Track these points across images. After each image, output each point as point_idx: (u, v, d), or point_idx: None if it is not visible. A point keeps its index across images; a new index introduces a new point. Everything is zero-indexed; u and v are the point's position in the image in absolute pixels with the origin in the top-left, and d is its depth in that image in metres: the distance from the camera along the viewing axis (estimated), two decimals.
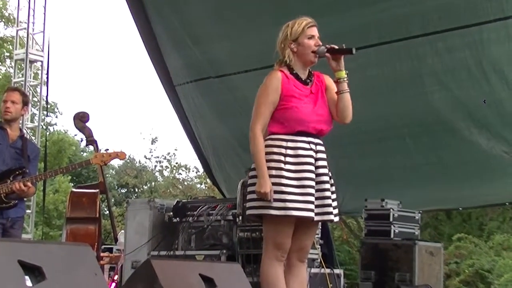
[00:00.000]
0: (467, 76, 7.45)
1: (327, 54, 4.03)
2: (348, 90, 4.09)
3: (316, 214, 3.96)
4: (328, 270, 6.38)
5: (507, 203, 9.98)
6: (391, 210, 7.63)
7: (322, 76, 4.18)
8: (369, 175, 8.60)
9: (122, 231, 8.41)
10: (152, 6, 9.27)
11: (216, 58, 8.98)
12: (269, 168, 3.94)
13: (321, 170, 4.03)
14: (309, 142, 4.00)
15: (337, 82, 4.08)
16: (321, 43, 4.06)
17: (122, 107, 37.28)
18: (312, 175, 3.97)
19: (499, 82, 7.34)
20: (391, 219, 7.60)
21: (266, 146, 4.01)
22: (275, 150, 3.97)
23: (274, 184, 3.89)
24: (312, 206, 3.92)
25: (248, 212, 4.09)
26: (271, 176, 3.91)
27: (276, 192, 3.89)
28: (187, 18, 9.02)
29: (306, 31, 4.06)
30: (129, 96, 40.47)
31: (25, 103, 5.56)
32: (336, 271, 6.66)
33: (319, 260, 6.47)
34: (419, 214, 7.97)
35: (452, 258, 11.80)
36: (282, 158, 3.95)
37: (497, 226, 13.20)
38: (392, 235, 7.57)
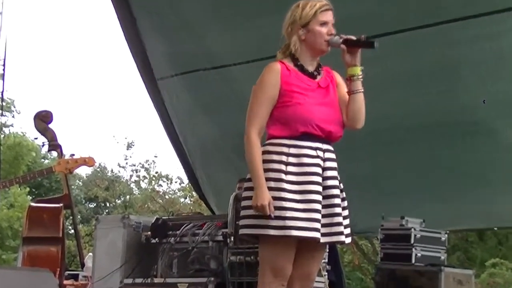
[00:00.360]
0: (505, 67, 7.48)
1: (342, 46, 3.96)
2: (362, 90, 4.04)
3: (323, 234, 3.90)
4: None
5: None
6: (413, 230, 7.64)
7: (332, 72, 4.13)
8: (386, 186, 8.60)
9: (90, 253, 8.41)
10: None
11: (211, 47, 8.98)
12: (267, 179, 3.87)
13: (330, 182, 3.96)
14: (315, 148, 3.93)
15: (350, 80, 4.02)
16: (334, 32, 3.99)
17: (92, 106, 37.37)
18: (319, 188, 3.91)
19: None
20: (412, 241, 7.60)
21: (264, 152, 3.94)
22: (275, 157, 3.91)
23: (272, 198, 3.82)
24: (318, 225, 3.86)
25: (242, 231, 4.02)
26: (269, 188, 3.83)
27: (275, 208, 3.82)
28: (175, 5, 9.03)
29: (319, 15, 3.96)
30: (101, 93, 40.53)
31: None
32: None
33: None
34: (446, 235, 7.98)
35: (486, 287, 11.83)
36: (283, 167, 3.89)
37: None
38: (413, 260, 7.58)
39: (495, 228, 10.67)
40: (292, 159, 3.89)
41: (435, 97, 7.89)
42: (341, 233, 3.98)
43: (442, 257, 7.83)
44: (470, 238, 13.18)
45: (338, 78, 4.11)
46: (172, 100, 9.78)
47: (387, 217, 7.85)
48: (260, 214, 3.82)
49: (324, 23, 3.97)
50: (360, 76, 4.01)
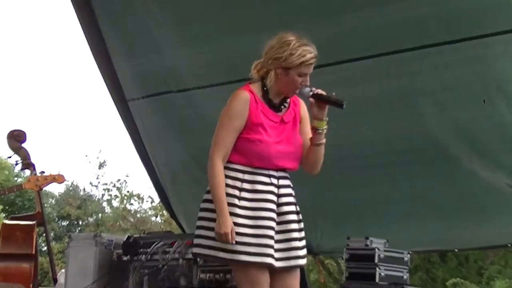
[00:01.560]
0: (467, 96, 7.52)
1: (311, 99, 3.94)
2: (324, 142, 4.04)
3: (280, 259, 3.91)
4: None
5: (509, 245, 10.05)
6: (377, 250, 7.65)
7: (299, 104, 4.12)
8: (351, 208, 8.61)
9: (63, 270, 8.35)
10: (100, 5, 9.22)
11: (179, 69, 8.96)
12: None
13: (285, 208, 3.97)
14: (269, 176, 3.95)
15: (314, 131, 4.01)
16: (308, 83, 3.95)
17: (64, 125, 37.10)
18: (272, 215, 3.91)
19: (504, 105, 7.42)
20: (376, 261, 7.61)
21: (225, 176, 3.93)
22: (229, 182, 3.91)
23: None
24: (270, 251, 3.86)
25: (194, 250, 4.04)
26: None
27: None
28: (143, 22, 8.99)
29: (303, 67, 3.90)
30: (73, 112, 40.25)
31: None
32: None
33: None
34: (409, 255, 8.00)
35: None
36: (236, 192, 3.89)
37: (498, 271, 13.30)
38: (377, 279, 7.58)
39: (456, 250, 10.70)
40: (246, 185, 3.91)
41: (395, 124, 7.94)
42: (298, 257, 3.98)
43: (405, 277, 7.85)
44: (432, 258, 13.22)
45: (303, 111, 4.11)
46: (142, 121, 9.75)
47: (352, 237, 7.88)
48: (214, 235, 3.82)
49: (303, 74, 3.92)
50: (325, 130, 4.00)
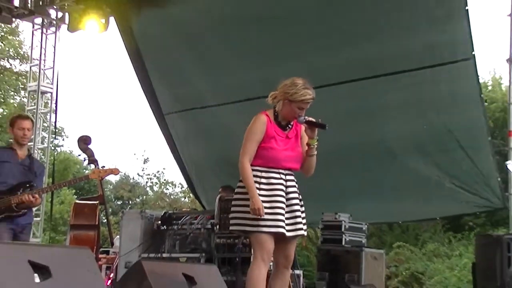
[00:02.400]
0: (409, 112, 7.53)
1: (304, 125, 4.07)
2: (315, 154, 4.16)
3: (289, 230, 4.01)
4: (290, 271, 6.34)
5: (438, 218, 10.07)
6: (343, 222, 7.63)
7: (299, 126, 4.20)
8: (325, 193, 8.57)
9: (118, 236, 8.31)
10: (145, 44, 9.22)
11: (202, 92, 8.96)
12: (247, 193, 3.97)
13: (291, 195, 4.08)
14: (279, 173, 4.06)
15: (308, 147, 4.14)
16: (303, 114, 4.07)
17: (119, 132, 37.14)
18: (283, 199, 4.02)
19: (435, 118, 7.42)
20: (343, 229, 7.59)
21: None
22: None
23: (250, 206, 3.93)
24: (282, 224, 3.97)
25: (231, 228, 4.14)
26: (248, 199, 3.95)
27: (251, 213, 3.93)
28: (176, 59, 9.00)
29: (302, 104, 4.04)
30: (125, 122, 40.20)
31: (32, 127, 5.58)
32: (297, 272, 6.64)
33: None
34: (366, 226, 7.97)
35: (392, 262, 11.83)
36: (257, 185, 3.99)
37: (429, 237, 13.27)
38: (343, 243, 7.56)
39: (400, 222, 10.70)
40: (263, 180, 4.02)
41: (358, 132, 7.94)
42: (301, 229, 4.10)
43: (363, 241, 7.82)
44: (382, 228, 13.18)
45: (302, 131, 4.20)
46: (175, 129, 9.75)
47: (325, 213, 7.85)
48: (243, 215, 3.95)
49: (301, 108, 4.06)
50: (316, 145, 4.13)
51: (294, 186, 4.13)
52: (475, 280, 5.49)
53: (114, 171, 5.67)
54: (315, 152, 4.14)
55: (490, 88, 16.75)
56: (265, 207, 3.93)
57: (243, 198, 4.01)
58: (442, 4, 6.89)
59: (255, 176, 4.01)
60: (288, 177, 4.09)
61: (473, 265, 5.56)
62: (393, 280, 11.37)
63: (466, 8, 6.74)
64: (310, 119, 4.06)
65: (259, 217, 3.90)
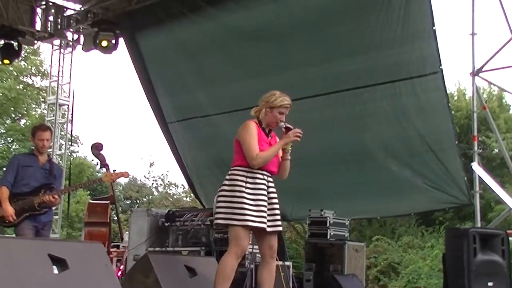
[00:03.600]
0: (385, 119, 7.55)
1: (283, 129, 4.06)
2: (289, 158, 4.13)
3: (269, 226, 3.98)
4: (280, 262, 6.34)
5: (412, 214, 10.08)
6: (328, 217, 7.62)
7: (276, 136, 4.20)
8: (312, 191, 8.60)
9: (127, 232, 8.28)
10: (150, 61, 9.25)
11: (202, 102, 8.96)
12: (234, 191, 3.92)
13: (272, 195, 4.06)
14: (263, 175, 4.02)
15: (284, 151, 4.11)
16: (284, 120, 4.07)
17: (128, 138, 37.04)
18: (265, 197, 3.98)
19: (408, 125, 7.44)
20: (328, 225, 7.58)
21: (232, 175, 3.99)
22: (239, 178, 3.96)
23: (237, 202, 3.88)
24: (264, 219, 3.94)
25: (216, 221, 4.03)
26: (235, 196, 3.89)
27: (239, 208, 3.87)
28: (177, 72, 9.00)
29: (282, 108, 4.05)
30: (133, 130, 40.11)
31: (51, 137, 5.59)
32: (287, 263, 6.63)
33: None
34: (348, 221, 7.98)
35: (372, 253, 11.84)
36: (243, 183, 3.94)
37: (404, 230, 13.28)
38: (328, 237, 7.56)
39: (378, 217, 10.71)
40: (249, 180, 3.96)
41: (341, 137, 7.96)
42: (279, 225, 4.07)
43: (346, 235, 7.83)
44: (362, 223, 13.19)
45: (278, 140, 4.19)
46: (177, 136, 9.73)
47: (312, 209, 7.85)
48: (231, 210, 3.87)
49: (281, 113, 4.06)
50: (290, 150, 4.10)
51: (274, 187, 4.10)
52: (445, 269, 5.49)
53: (125, 174, 5.66)
54: (289, 157, 4.11)
55: (456, 98, 16.85)
56: (251, 204, 3.89)
57: (228, 195, 3.94)
58: (412, 24, 6.95)
59: (242, 175, 3.95)
60: (269, 179, 4.06)
61: (443, 256, 5.55)
62: (373, 269, 11.38)
63: (434, 28, 6.79)
64: (289, 125, 4.06)
65: (244, 211, 3.84)
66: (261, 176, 4.00)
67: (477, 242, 5.08)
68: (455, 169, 7.41)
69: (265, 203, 3.97)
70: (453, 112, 9.44)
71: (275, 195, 4.08)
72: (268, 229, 3.97)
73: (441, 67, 6.93)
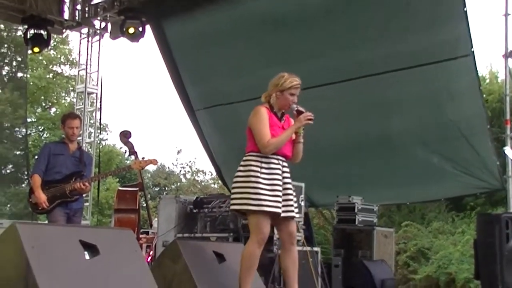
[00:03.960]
0: (414, 104, 7.46)
1: (295, 112, 4.03)
2: (302, 141, 4.08)
3: (283, 211, 3.96)
4: (308, 248, 6.35)
5: (442, 199, 9.98)
6: (356, 204, 7.61)
7: (290, 120, 4.17)
8: (340, 178, 8.58)
9: (156, 219, 8.38)
10: (176, 48, 9.27)
11: (227, 90, 8.97)
12: (249, 176, 3.91)
13: (286, 180, 4.03)
14: (278, 159, 4.00)
15: (297, 134, 4.07)
16: (296, 102, 4.03)
17: (156, 126, 37.33)
18: (280, 182, 3.96)
19: (438, 110, 7.34)
20: (356, 210, 7.57)
21: (246, 160, 3.98)
22: (253, 163, 3.95)
23: (253, 187, 3.87)
24: (279, 205, 3.92)
25: (232, 207, 4.04)
26: (250, 182, 3.89)
27: (254, 193, 3.87)
28: (203, 60, 9.02)
29: (292, 90, 4.02)
30: (161, 117, 40.41)
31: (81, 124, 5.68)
32: (315, 249, 6.64)
33: (302, 241, 6.44)
34: (377, 207, 7.95)
35: (401, 239, 11.74)
36: (259, 169, 3.92)
37: (434, 216, 13.13)
38: (356, 222, 7.55)
39: (408, 203, 10.64)
40: (264, 165, 3.94)
41: (368, 123, 7.89)
42: (292, 211, 4.04)
43: (375, 221, 7.81)
44: (392, 209, 13.09)
45: (292, 123, 4.14)
46: (204, 123, 9.77)
47: (340, 196, 7.83)
48: (246, 196, 3.86)
49: (292, 94, 4.02)
50: (302, 133, 4.06)
51: (288, 173, 4.07)
52: (476, 255, 5.43)
53: (153, 162, 5.71)
54: (302, 140, 4.07)
55: (487, 81, 16.49)
56: (266, 189, 3.87)
57: (243, 180, 3.94)
58: (442, 6, 6.82)
59: (256, 161, 3.94)
60: (284, 164, 4.04)
61: (475, 241, 5.49)
62: (402, 255, 11.28)
63: (465, 9, 6.65)
64: (300, 108, 4.02)
65: (260, 196, 3.83)
66: (275, 161, 3.98)
67: (510, 228, 5.00)
68: (486, 153, 7.30)
69: (280, 188, 3.95)
70: (484, 95, 9.24)
71: (289, 180, 4.06)
72: (282, 214, 3.95)
73: (472, 50, 6.80)
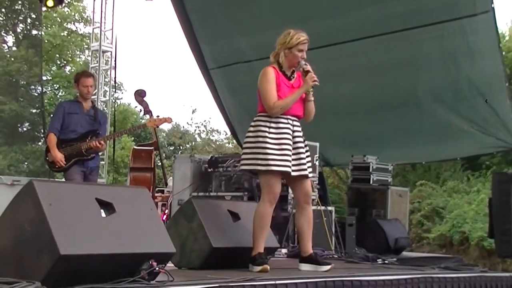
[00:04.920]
0: (432, 63, 7.36)
1: (301, 70, 4.01)
2: (313, 100, 4.06)
3: (294, 170, 3.97)
4: (323, 208, 6.39)
5: (458, 158, 9.95)
6: (371, 163, 7.60)
7: (301, 77, 4.12)
8: (356, 137, 8.56)
9: (171, 177, 8.46)
10: (191, 6, 9.16)
11: (243, 48, 8.88)
12: (258, 136, 3.94)
13: (297, 139, 4.02)
14: (287, 119, 3.99)
15: (306, 93, 4.04)
16: (305, 57, 3.99)
17: (171, 85, 37.32)
18: (289, 142, 3.96)
19: (456, 68, 7.25)
20: (370, 170, 7.58)
21: (256, 121, 4.00)
22: (262, 124, 3.97)
23: (261, 148, 3.90)
24: (289, 164, 3.93)
25: (242, 167, 4.09)
26: (259, 142, 3.91)
27: (262, 153, 3.89)
28: (220, 19, 8.90)
29: (299, 45, 3.98)
30: (176, 76, 40.31)
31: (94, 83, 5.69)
32: (329, 208, 6.67)
33: (316, 200, 6.48)
34: (392, 166, 7.94)
35: (415, 198, 11.74)
36: (267, 129, 3.94)
37: (449, 175, 13.09)
38: (371, 182, 7.56)
39: (423, 162, 10.63)
40: (273, 125, 3.95)
41: (388, 82, 7.80)
42: (305, 169, 4.02)
43: (389, 180, 7.81)
44: (406, 168, 13.07)
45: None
46: (219, 83, 9.73)
47: (355, 155, 7.82)
48: (255, 156, 3.89)
49: (300, 50, 3.99)
50: (312, 92, 4.03)
51: (300, 132, 4.05)
52: (491, 213, 5.43)
53: (168, 120, 5.73)
54: (312, 98, 4.06)
55: (507, 38, 16.13)
56: (274, 149, 3.89)
57: (252, 141, 3.97)
58: None
59: (265, 121, 3.96)
60: (295, 123, 4.03)
61: (490, 200, 5.49)
62: (416, 214, 11.31)
63: None
64: (308, 68, 3.99)
65: (268, 156, 3.86)
66: (285, 121, 3.98)
67: None
68: (504, 112, 7.23)
69: (289, 147, 3.95)
70: (504, 53, 9.07)
71: (300, 139, 4.04)
72: (293, 174, 3.96)
73: (493, 6, 6.65)
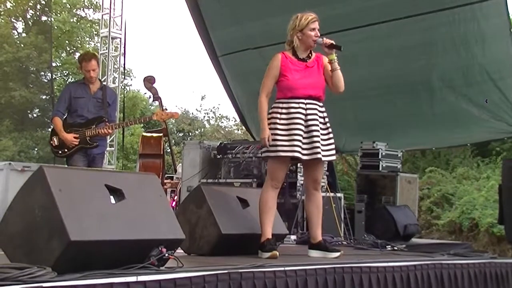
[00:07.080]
0: (443, 48, 7.30)
1: (322, 46, 4.02)
2: (339, 68, 4.04)
3: (306, 154, 3.96)
4: (332, 194, 6.39)
5: (468, 144, 9.89)
6: (380, 149, 7.57)
7: (321, 56, 4.13)
8: (364, 124, 8.52)
9: (180, 164, 8.48)
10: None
11: (250, 34, 8.83)
12: (270, 123, 3.99)
13: (310, 122, 3.99)
14: (299, 103, 3.98)
15: (330, 63, 4.05)
16: (319, 34, 4.00)
17: (180, 71, 37.26)
18: (300, 126, 3.95)
19: (466, 53, 7.18)
20: (380, 156, 7.55)
21: (272, 108, 4.05)
22: (275, 110, 4.03)
23: (271, 134, 3.95)
24: (298, 148, 3.93)
25: (263, 155, 4.18)
26: (270, 129, 3.98)
27: (272, 140, 3.95)
28: (228, 3, 8.85)
29: (310, 25, 4.00)
30: (185, 62, 40.29)
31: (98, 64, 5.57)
32: (338, 194, 6.68)
33: (325, 187, 6.48)
34: (401, 153, 7.91)
35: (425, 185, 11.70)
36: (278, 115, 3.98)
37: (459, 161, 13.03)
38: (380, 168, 7.54)
39: (433, 148, 10.57)
40: (284, 110, 3.99)
41: (398, 68, 7.75)
42: (318, 153, 3.99)
43: (398, 166, 7.78)
44: (416, 154, 13.02)
45: (325, 61, 4.12)
46: (228, 70, 9.69)
47: (364, 142, 7.79)
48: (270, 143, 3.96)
49: (312, 29, 4.00)
50: (336, 60, 4.03)
51: (316, 114, 4.01)
52: (501, 200, 5.41)
53: (175, 115, 5.76)
54: (338, 67, 4.05)
55: None
56: (283, 134, 3.93)
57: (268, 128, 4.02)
58: None
59: (277, 107, 4.01)
60: (309, 106, 4.00)
61: (500, 186, 5.46)
62: (426, 200, 11.28)
63: None
64: (328, 41, 4.01)
65: (276, 142, 3.92)
66: (295, 105, 3.98)
67: None
68: None
69: (300, 132, 3.95)
70: None
71: (315, 122, 4.00)
72: (304, 158, 3.96)
73: None
